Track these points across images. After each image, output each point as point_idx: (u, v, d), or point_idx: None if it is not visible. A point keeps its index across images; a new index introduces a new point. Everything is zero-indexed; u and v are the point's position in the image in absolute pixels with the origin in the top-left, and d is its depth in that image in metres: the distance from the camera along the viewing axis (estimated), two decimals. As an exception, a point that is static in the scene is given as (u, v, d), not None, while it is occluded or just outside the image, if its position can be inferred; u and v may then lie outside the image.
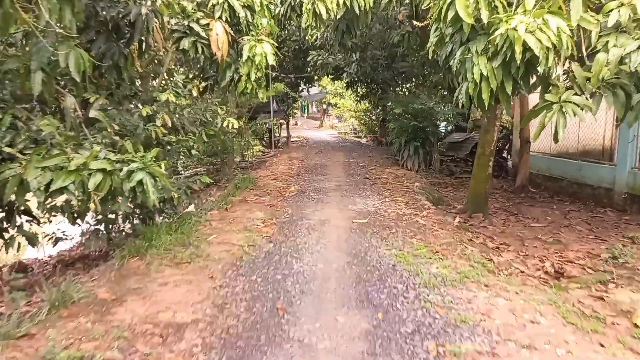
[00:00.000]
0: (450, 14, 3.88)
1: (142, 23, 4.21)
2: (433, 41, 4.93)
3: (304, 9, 6.12)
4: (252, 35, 6.05)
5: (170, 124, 5.13)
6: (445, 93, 13.86)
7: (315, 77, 18.19)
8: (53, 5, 2.96)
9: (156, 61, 7.38)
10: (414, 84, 13.93)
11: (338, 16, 5.90)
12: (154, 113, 5.17)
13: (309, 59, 12.62)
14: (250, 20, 5.94)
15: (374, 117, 21.96)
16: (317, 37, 10.39)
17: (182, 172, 13.76)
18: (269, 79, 16.01)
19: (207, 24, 5.39)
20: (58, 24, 3.29)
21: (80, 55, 3.43)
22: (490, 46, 3.85)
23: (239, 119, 14.13)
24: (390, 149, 16.16)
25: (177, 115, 5.61)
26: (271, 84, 15.32)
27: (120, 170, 3.68)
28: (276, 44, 6.84)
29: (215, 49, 5.38)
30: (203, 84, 11.40)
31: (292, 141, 20.21)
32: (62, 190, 3.27)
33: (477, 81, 3.93)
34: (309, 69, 15.05)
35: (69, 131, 3.64)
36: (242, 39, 5.94)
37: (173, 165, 12.81)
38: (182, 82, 5.54)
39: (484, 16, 3.74)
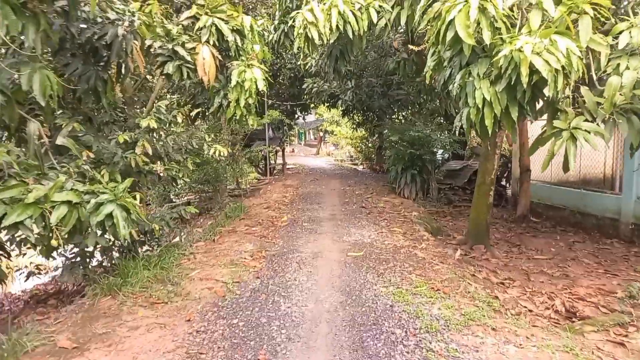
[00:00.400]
0: (450, 35, 3.63)
1: (119, 45, 3.95)
2: (430, 65, 4.69)
3: (295, 33, 5.91)
4: (242, 60, 5.83)
5: (151, 152, 4.81)
6: (442, 120, 13.75)
7: (312, 105, 18.09)
8: (12, 22, 2.69)
9: (146, 87, 7.17)
10: (409, 111, 13.77)
11: (331, 41, 5.68)
12: (134, 140, 4.86)
13: (304, 86, 12.47)
14: (240, 44, 5.72)
15: (370, 145, 21.81)
16: (311, 64, 10.24)
17: (175, 200, 13.44)
18: (265, 105, 15.89)
19: (194, 48, 5.16)
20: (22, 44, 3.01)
21: (46, 77, 3.13)
22: (493, 69, 3.59)
23: (233, 146, 13.94)
24: (387, 177, 15.89)
25: (160, 143, 5.31)
26: (266, 111, 15.17)
27: (88, 202, 3.33)
28: (268, 70, 6.64)
29: (202, 73, 5.13)
30: (195, 111, 11.27)
31: (287, 168, 19.94)
32: (17, 225, 2.91)
33: (480, 106, 3.65)
34: (304, 97, 14.92)
35: (31, 159, 3.30)
36: (231, 64, 5.71)
37: (164, 193, 12.52)
38: (165, 108, 5.22)
39: (486, 37, 3.49)
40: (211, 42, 5.28)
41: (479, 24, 3.50)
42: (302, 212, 8.99)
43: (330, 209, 9.34)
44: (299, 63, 13.11)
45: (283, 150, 18.96)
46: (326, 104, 14.48)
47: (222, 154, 5.81)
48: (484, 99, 3.63)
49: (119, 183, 3.79)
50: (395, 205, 9.80)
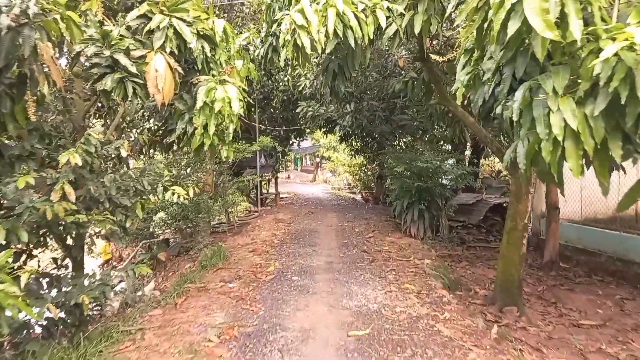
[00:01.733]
0: (512, 28, 2.32)
1: (9, 42, 2.63)
2: (464, 80, 3.40)
3: (281, 39, 4.65)
4: (213, 75, 4.54)
5: (73, 198, 3.43)
6: (449, 148, 12.49)
7: (307, 130, 16.87)
8: None
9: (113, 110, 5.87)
10: (410, 138, 12.52)
11: (327, 50, 4.40)
12: (55, 181, 3.50)
13: (298, 110, 11.23)
14: (209, 55, 4.44)
15: (369, 173, 20.52)
16: (305, 85, 9.02)
17: (158, 233, 11.98)
18: (256, 131, 14.63)
19: (143, 57, 3.86)
20: None
21: None
22: (581, 81, 2.27)
23: (219, 175, 12.59)
24: (388, 209, 14.52)
25: (98, 183, 3.93)
26: (257, 137, 13.90)
27: None
28: (251, 90, 5.38)
29: (153, 90, 3.81)
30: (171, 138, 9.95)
31: (281, 198, 18.54)
32: None
33: (559, 138, 2.31)
34: (299, 122, 13.70)
35: None
36: (197, 80, 4.41)
37: (143, 228, 11.06)
38: (96, 137, 3.85)
39: (576, 28, 2.17)
40: (168, 50, 3.99)
41: (563, 3, 2.20)
42: (293, 258, 7.54)
43: (326, 253, 7.91)
44: (287, 80, 11.93)
45: (276, 179, 17.60)
46: (322, 130, 13.22)
47: (182, 196, 4.40)
48: (566, 127, 2.30)
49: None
50: (402, 248, 8.38)
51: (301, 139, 18.00)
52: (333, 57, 5.05)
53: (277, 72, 12.59)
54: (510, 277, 5.94)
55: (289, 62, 5.94)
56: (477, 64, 3.30)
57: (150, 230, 11.66)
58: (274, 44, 6.57)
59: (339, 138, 16.23)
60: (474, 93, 3.37)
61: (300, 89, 9.58)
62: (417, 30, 4.58)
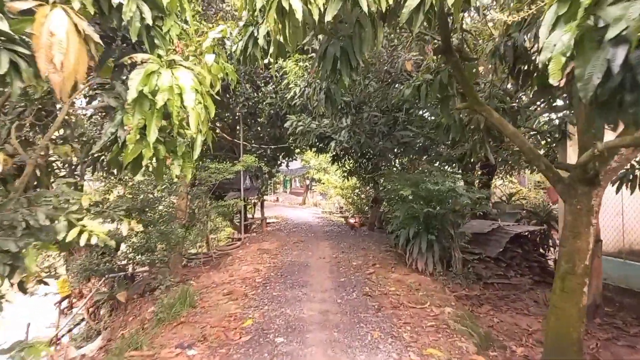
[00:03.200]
0: None
1: None
2: (564, 44, 1.98)
3: (259, 3, 3.23)
4: (159, 56, 3.09)
5: None
6: (456, 168, 11.12)
7: (297, 150, 15.43)
8: None
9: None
10: (413, 157, 11.13)
11: (328, 17, 2.98)
12: None
13: (287, 124, 9.80)
14: (151, 23, 2.99)
15: (363, 196, 19.07)
16: (295, 93, 7.61)
17: (124, 268, 10.29)
18: (240, 149, 13.14)
19: (31, 12, 2.39)
20: None
21: None
22: None
23: (196, 198, 11.02)
24: (385, 236, 13.04)
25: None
26: (241, 156, 12.41)
27: None
28: (216, 90, 4.02)
29: (46, 66, 2.32)
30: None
31: (268, 223, 16.94)
32: None
33: None
34: (288, 139, 12.29)
35: None
36: (132, 60, 2.95)
37: (108, 262, 9.38)
38: None
39: None
40: (77, 5, 2.54)
41: None
42: (278, 305, 5.96)
43: (320, 297, 6.34)
44: (280, 97, 10.55)
45: (262, 203, 16.03)
46: (314, 148, 11.80)
47: (99, 237, 2.86)
48: None
49: None
50: (411, 289, 6.85)
51: (290, 159, 16.56)
52: (333, 39, 3.64)
53: (264, 83, 11.23)
54: (566, 336, 4.44)
55: (273, 57, 4.52)
56: (586, 15, 1.91)
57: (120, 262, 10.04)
58: (255, 34, 5.20)
59: (330, 158, 14.89)
60: (583, 64, 1.97)
61: (289, 98, 8.17)
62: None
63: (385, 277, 7.65)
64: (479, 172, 10.73)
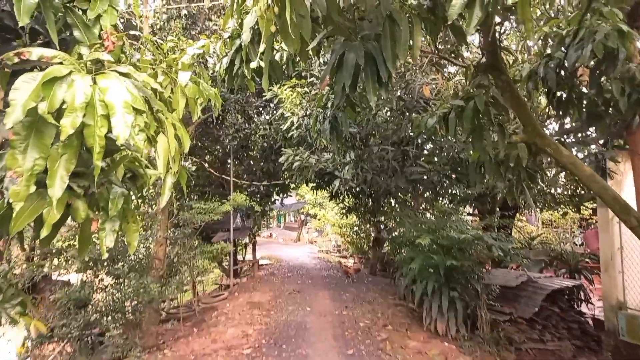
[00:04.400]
0: None
1: None
2: None
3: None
4: (79, 57, 1.90)
5: None
6: (475, 209, 9.93)
7: (292, 185, 14.19)
8: None
9: None
10: (428, 196, 9.93)
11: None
12: None
13: (282, 159, 8.61)
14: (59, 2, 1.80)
15: (363, 235, 17.72)
16: (292, 122, 6.47)
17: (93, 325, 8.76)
18: (230, 185, 11.86)
19: None
20: None
21: None
22: None
23: (174, 245, 9.63)
24: (390, 280, 11.69)
25: None
26: (230, 194, 11.14)
27: None
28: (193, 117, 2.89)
29: None
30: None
31: (260, 266, 15.49)
32: None
33: None
34: (283, 175, 11.11)
35: None
36: (19, 56, 1.74)
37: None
38: None
39: None
40: None
41: None
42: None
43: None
44: (275, 129, 9.41)
45: (254, 245, 14.61)
46: (314, 184, 10.58)
47: None
48: None
49: None
50: (436, 365, 5.49)
51: (285, 195, 15.29)
52: (353, 44, 2.48)
53: (257, 113, 10.12)
54: None
55: (265, 68, 3.37)
56: None
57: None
58: (246, 43, 4.06)
59: (328, 194, 13.67)
60: None
61: (284, 130, 7.03)
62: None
63: (402, 345, 6.27)
64: (499, 214, 9.53)
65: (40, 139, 1.73)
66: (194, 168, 11.52)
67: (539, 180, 5.80)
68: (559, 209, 9.72)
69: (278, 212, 37.39)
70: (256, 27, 2.54)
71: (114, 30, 1.94)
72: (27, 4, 1.64)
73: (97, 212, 2.26)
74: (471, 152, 5.73)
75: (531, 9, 5.68)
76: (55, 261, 7.73)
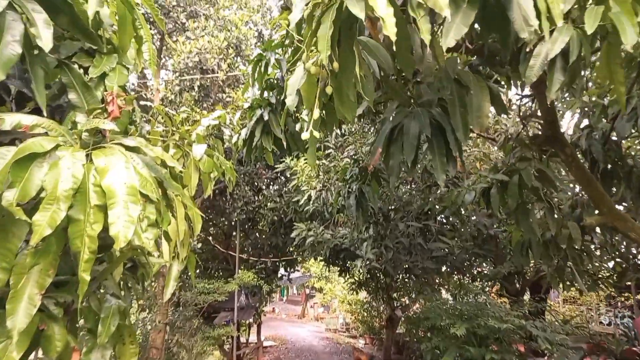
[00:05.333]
0: None
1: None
2: None
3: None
4: (73, 124, 1.42)
5: None
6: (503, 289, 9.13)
7: (299, 259, 13.43)
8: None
9: None
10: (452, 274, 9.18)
11: (448, 44, 1.37)
12: None
13: (293, 234, 8.03)
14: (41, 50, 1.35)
15: (374, 313, 16.54)
16: (310, 195, 5.99)
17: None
18: (236, 262, 11.15)
19: None
20: None
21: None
22: None
23: (177, 331, 8.73)
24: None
25: None
26: (236, 271, 10.41)
27: None
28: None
29: None
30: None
31: (265, 347, 14.26)
32: None
33: None
34: (292, 250, 10.46)
35: None
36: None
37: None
38: None
39: None
40: None
41: None
42: None
43: None
44: (286, 202, 8.93)
45: (259, 326, 13.54)
46: (328, 263, 9.87)
47: None
48: None
49: None
50: None
51: (292, 270, 14.48)
52: (413, 111, 2.02)
53: (266, 185, 9.71)
54: None
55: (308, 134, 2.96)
56: None
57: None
58: (266, 118, 3.69)
59: (338, 269, 12.86)
60: None
61: (300, 204, 6.54)
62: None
63: None
64: (529, 295, 8.73)
65: (4, 242, 1.20)
66: (199, 245, 10.89)
67: (587, 262, 5.22)
68: (600, 290, 8.91)
69: (281, 285, 35.94)
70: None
71: (122, 91, 1.48)
72: (4, 56, 1.18)
73: (81, 332, 1.68)
74: (513, 230, 5.18)
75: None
76: None
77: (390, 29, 1.24)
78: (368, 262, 6.75)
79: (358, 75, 1.39)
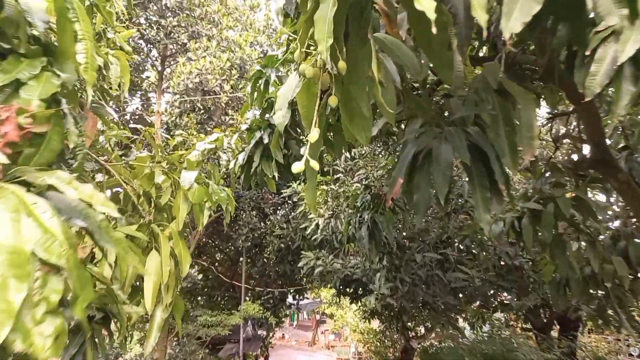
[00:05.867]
0: None
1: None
2: None
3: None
4: None
5: None
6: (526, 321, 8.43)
7: (308, 286, 12.82)
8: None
9: None
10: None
11: (513, 29, 0.92)
12: None
13: (301, 264, 7.52)
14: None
15: (389, 344, 15.71)
16: (318, 224, 5.51)
17: None
18: (242, 292, 10.59)
19: None
20: None
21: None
22: None
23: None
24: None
25: None
26: (241, 302, 9.86)
27: None
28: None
29: None
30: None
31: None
32: None
33: None
34: (300, 278, 9.90)
35: None
36: None
37: None
38: None
39: None
40: None
41: None
42: None
43: None
44: (294, 229, 8.44)
45: (266, 359, 12.85)
46: (336, 291, 9.26)
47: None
48: None
49: None
50: None
51: (301, 297, 13.86)
52: (445, 132, 1.55)
53: (273, 210, 9.25)
54: None
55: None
56: None
57: None
58: (265, 140, 3.26)
59: (350, 299, 12.22)
60: None
61: (307, 232, 6.05)
62: None
63: None
64: (558, 330, 8.03)
65: None
66: (199, 276, 10.39)
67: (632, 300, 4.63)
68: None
69: (291, 311, 35.01)
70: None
71: (43, 107, 1.03)
72: None
73: None
74: (545, 265, 4.62)
75: None
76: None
77: (425, 2, 0.78)
78: (382, 298, 6.18)
79: (376, 77, 0.94)
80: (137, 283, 2.51)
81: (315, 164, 1.01)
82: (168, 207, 3.14)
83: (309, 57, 1.16)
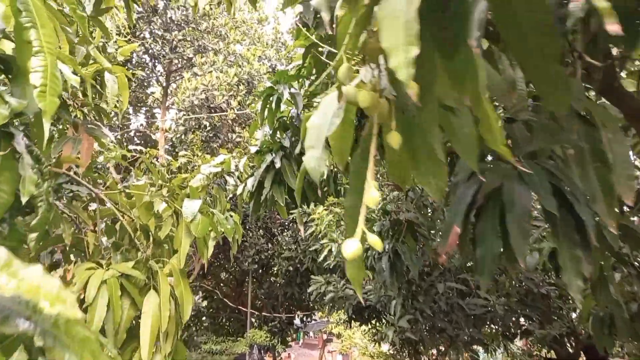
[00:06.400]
0: None
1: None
2: None
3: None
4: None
5: None
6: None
7: (316, 311, 12.36)
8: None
9: None
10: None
11: None
12: None
13: (310, 289, 7.13)
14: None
15: (400, 367, 15.12)
16: (331, 250, 5.15)
17: None
18: (247, 319, 10.15)
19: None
20: None
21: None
22: None
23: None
24: None
25: None
26: (247, 330, 9.42)
27: None
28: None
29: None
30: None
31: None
32: None
33: None
34: (312, 303, 9.47)
35: None
36: None
37: None
38: None
39: None
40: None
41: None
42: None
43: None
44: (302, 250, 8.06)
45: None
46: (348, 318, 8.81)
47: None
48: None
49: None
50: None
51: (309, 320, 13.38)
52: (520, 168, 1.24)
53: (281, 230, 8.88)
54: None
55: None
56: None
57: None
58: (278, 165, 2.92)
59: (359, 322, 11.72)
60: None
61: (320, 258, 5.68)
62: None
63: None
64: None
65: None
66: (204, 303, 9.99)
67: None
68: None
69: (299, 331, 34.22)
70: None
71: None
72: None
73: None
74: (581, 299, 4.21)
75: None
76: None
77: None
78: (401, 332, 5.75)
79: (484, 103, 0.60)
80: (134, 322, 2.22)
81: (377, 241, 0.66)
82: (169, 238, 2.83)
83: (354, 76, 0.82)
